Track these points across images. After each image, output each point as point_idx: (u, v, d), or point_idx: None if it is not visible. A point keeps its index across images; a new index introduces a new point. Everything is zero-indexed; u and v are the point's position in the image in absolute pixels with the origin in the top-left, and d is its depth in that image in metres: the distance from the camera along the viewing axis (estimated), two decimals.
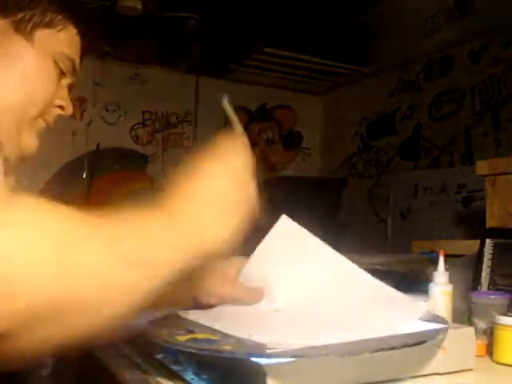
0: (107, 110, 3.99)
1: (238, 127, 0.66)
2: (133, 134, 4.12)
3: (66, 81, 0.83)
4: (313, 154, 4.63)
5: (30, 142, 0.79)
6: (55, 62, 0.79)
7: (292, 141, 4.61)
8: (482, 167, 1.50)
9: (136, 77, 4.07)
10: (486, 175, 1.48)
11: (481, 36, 3.06)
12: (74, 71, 0.83)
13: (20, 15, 0.76)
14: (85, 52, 0.86)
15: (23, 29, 0.76)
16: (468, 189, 2.93)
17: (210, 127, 4.28)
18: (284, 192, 3.90)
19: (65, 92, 0.83)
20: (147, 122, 4.17)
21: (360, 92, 4.08)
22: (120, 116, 4.05)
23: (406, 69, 3.62)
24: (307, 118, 4.60)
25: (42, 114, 0.80)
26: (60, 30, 0.80)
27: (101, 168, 3.90)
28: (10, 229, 0.36)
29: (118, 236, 0.47)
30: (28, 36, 0.76)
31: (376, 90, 3.90)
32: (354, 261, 0.77)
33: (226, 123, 0.65)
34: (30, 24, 0.76)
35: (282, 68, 3.98)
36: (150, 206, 0.54)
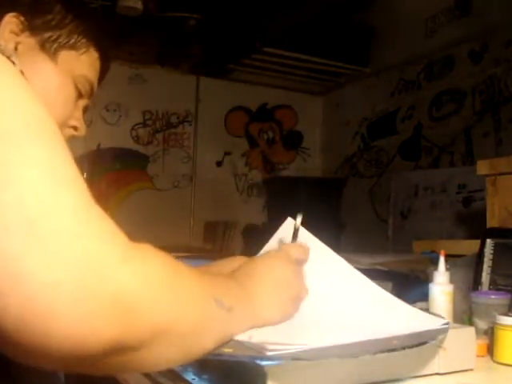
0: (107, 110, 3.99)
1: (301, 242, 0.76)
2: (133, 134, 4.12)
3: (82, 102, 0.85)
4: (313, 154, 4.63)
5: None
6: (75, 84, 0.81)
7: (292, 141, 4.61)
8: (482, 167, 1.49)
9: (136, 77, 4.07)
10: (487, 175, 1.48)
11: (481, 36, 3.06)
12: (91, 94, 0.85)
13: (47, 35, 0.79)
14: (103, 76, 0.89)
15: (49, 48, 0.79)
16: (468, 189, 2.93)
17: (211, 127, 4.29)
18: (284, 192, 3.90)
19: (80, 113, 0.85)
20: (148, 122, 4.17)
21: (360, 92, 4.08)
22: (120, 116, 4.05)
23: (407, 69, 3.62)
24: (308, 118, 4.60)
25: None
26: (83, 53, 0.82)
27: (101, 168, 3.90)
28: (140, 265, 0.43)
29: (213, 284, 0.57)
30: (52, 56, 0.79)
31: (377, 90, 3.90)
32: (354, 261, 0.77)
33: (294, 236, 0.77)
34: (56, 44, 0.79)
35: (282, 68, 3.98)
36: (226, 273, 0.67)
